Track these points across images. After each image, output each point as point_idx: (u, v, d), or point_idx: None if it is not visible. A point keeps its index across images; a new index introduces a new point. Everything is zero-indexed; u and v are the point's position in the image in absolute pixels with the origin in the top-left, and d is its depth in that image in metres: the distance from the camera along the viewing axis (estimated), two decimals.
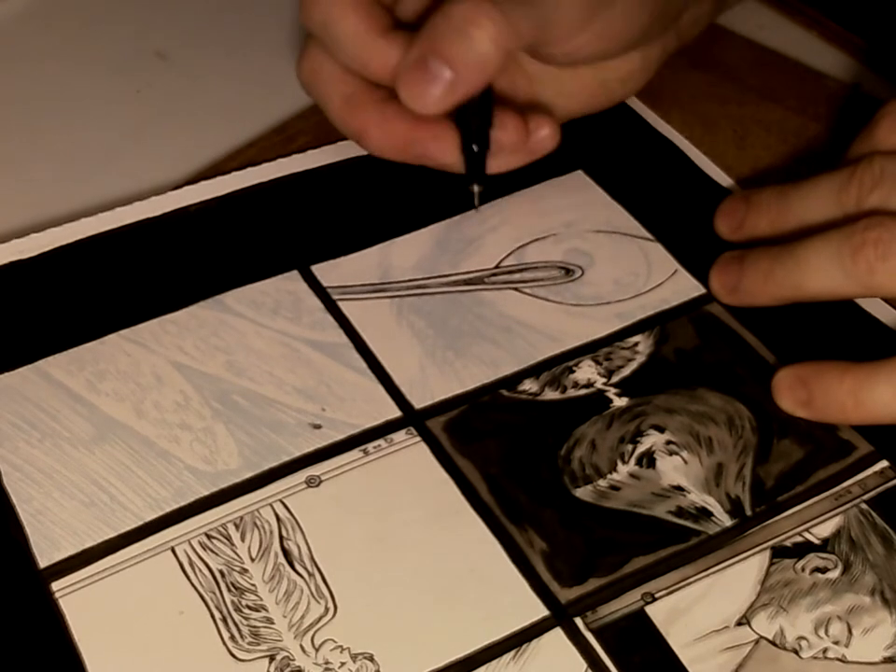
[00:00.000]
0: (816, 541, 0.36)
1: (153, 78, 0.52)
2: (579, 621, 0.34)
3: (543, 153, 0.44)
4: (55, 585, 0.34)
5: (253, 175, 0.45)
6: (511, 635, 0.34)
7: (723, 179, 0.46)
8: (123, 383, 0.39)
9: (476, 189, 0.43)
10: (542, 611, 0.34)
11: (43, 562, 0.35)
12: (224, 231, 0.44)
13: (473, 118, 0.42)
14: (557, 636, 0.34)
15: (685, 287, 0.43)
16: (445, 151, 0.43)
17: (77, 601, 0.34)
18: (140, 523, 0.36)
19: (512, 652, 0.34)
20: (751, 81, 0.51)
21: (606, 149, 0.48)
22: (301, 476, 0.37)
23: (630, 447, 0.39)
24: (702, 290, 0.43)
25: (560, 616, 0.34)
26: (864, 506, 0.37)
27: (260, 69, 0.52)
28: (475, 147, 0.42)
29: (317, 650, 0.33)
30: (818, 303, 0.41)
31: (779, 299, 0.41)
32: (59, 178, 0.46)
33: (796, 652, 0.34)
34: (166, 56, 0.52)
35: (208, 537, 0.36)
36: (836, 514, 0.37)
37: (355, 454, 0.38)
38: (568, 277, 0.44)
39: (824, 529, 0.37)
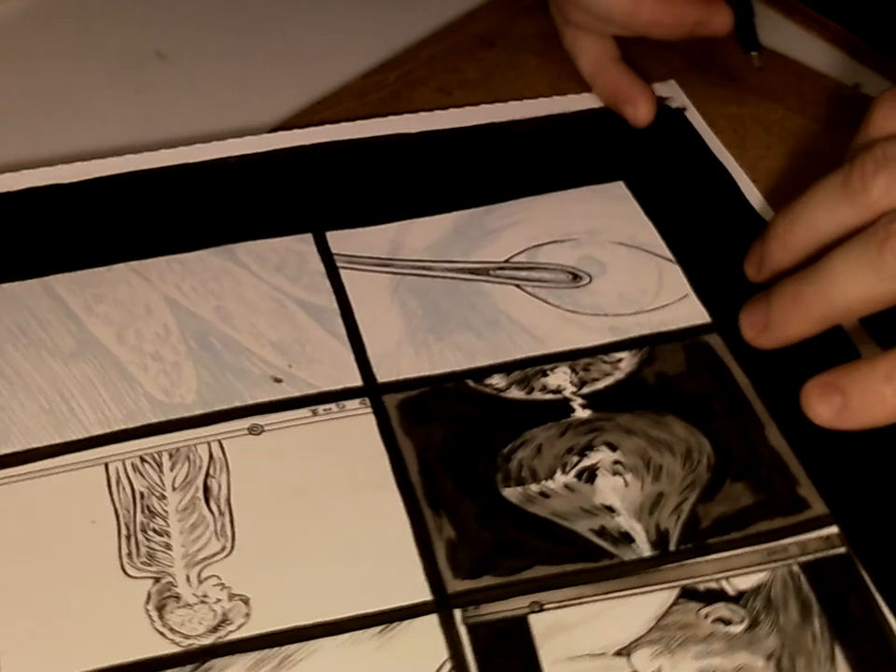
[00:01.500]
0: (731, 592, 0.35)
1: (153, 78, 0.53)
2: (458, 613, 0.34)
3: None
4: None
5: (296, 138, 0.47)
6: (386, 611, 0.34)
7: (765, 211, 0.45)
8: (116, 309, 0.42)
9: (754, 53, 0.51)
10: (426, 596, 0.34)
11: None
12: (255, 186, 0.46)
13: None
14: (430, 622, 0.34)
15: (690, 313, 0.42)
16: (724, 25, 0.49)
17: (6, 493, 0.37)
18: (86, 435, 0.38)
19: (380, 627, 0.34)
20: (751, 81, 0.50)
21: (652, 164, 0.47)
22: (245, 423, 0.38)
23: (575, 458, 0.38)
24: (706, 319, 0.42)
25: (442, 605, 0.34)
26: (796, 568, 0.35)
27: (260, 69, 0.52)
28: (740, 15, 0.49)
29: (201, 583, 0.35)
30: (819, 353, 0.39)
31: (813, 321, 0.39)
32: (59, 179, 0.46)
33: None
34: (166, 56, 0.52)
35: (141, 460, 0.37)
36: (763, 570, 0.35)
37: (304, 412, 0.39)
38: (574, 283, 0.43)
39: (744, 582, 0.35)
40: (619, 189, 0.46)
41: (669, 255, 0.43)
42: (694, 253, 0.43)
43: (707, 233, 0.44)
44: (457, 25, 0.54)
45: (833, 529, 0.36)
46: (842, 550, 0.35)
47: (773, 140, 0.48)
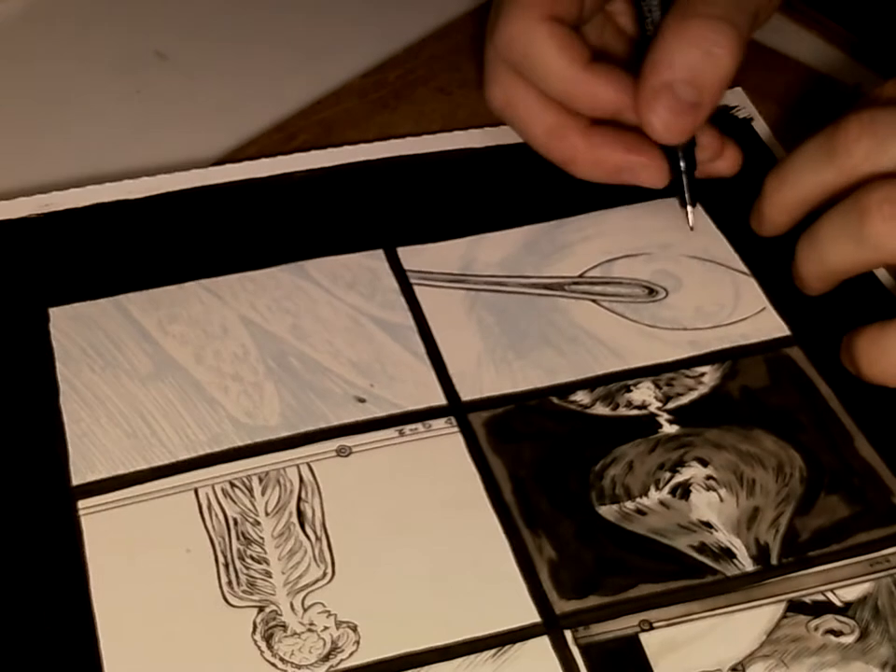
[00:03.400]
0: (838, 603, 0.35)
1: (153, 78, 0.52)
2: (568, 634, 0.34)
3: (733, 169, 0.44)
4: (81, 503, 0.36)
5: (361, 152, 0.46)
6: (497, 634, 0.34)
7: None
8: (191, 328, 0.41)
9: (689, 209, 0.44)
10: (534, 617, 0.34)
11: (76, 479, 0.37)
12: (322, 202, 0.45)
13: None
14: (542, 644, 0.34)
15: (769, 327, 0.42)
16: (655, 176, 0.44)
17: (97, 521, 0.36)
18: (172, 460, 0.37)
19: (493, 651, 0.33)
20: (751, 81, 0.49)
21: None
22: (333, 444, 0.38)
23: (668, 475, 0.38)
24: (786, 332, 0.41)
25: (551, 626, 0.34)
26: None
27: (260, 68, 0.52)
28: (683, 167, 0.43)
29: (305, 610, 0.34)
30: None
31: (814, 278, 0.40)
32: (59, 179, 0.46)
33: None
34: (166, 56, 0.52)
35: (231, 485, 0.37)
36: (867, 580, 0.35)
37: (390, 432, 0.38)
38: (651, 297, 0.43)
39: (850, 593, 0.35)
40: None
41: (743, 268, 0.43)
42: (769, 265, 0.43)
43: (780, 245, 0.44)
44: (457, 25, 0.54)
45: None
46: None
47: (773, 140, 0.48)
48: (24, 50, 0.53)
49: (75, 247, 0.43)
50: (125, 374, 0.39)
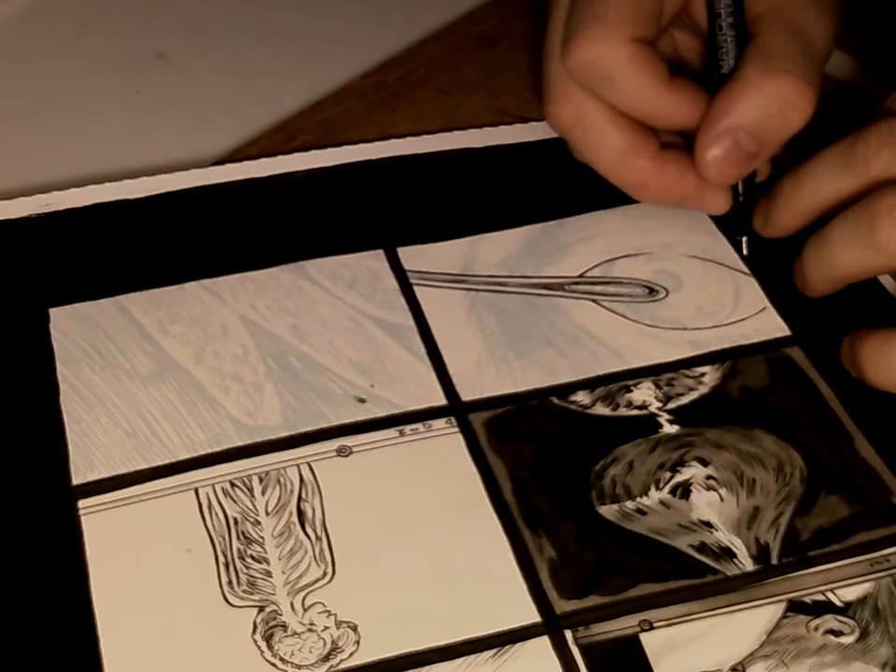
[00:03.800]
0: (838, 603, 0.35)
1: (153, 78, 0.52)
2: (569, 634, 0.34)
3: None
4: (82, 503, 0.36)
5: (361, 152, 0.46)
6: (497, 634, 0.34)
7: None
8: (191, 328, 0.41)
9: (745, 239, 0.44)
10: (534, 617, 0.34)
11: (77, 479, 0.37)
12: (323, 202, 0.45)
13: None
14: (542, 644, 0.34)
15: (769, 327, 0.42)
16: (720, 204, 0.44)
17: (97, 520, 0.36)
18: (173, 460, 0.37)
19: (493, 651, 0.33)
20: None
21: None
22: (333, 444, 0.38)
23: (668, 475, 0.38)
24: (786, 332, 0.41)
25: (551, 625, 0.34)
26: None
27: (260, 68, 0.52)
28: (741, 199, 0.43)
29: (305, 610, 0.34)
30: None
31: (821, 282, 0.40)
32: (58, 179, 0.46)
33: None
34: (166, 56, 0.52)
35: (232, 484, 0.37)
36: (867, 580, 0.35)
37: (391, 432, 0.38)
38: (651, 297, 0.43)
39: (850, 593, 0.35)
40: None
41: (744, 268, 0.43)
42: (769, 265, 0.43)
43: (780, 245, 0.43)
44: (457, 25, 0.54)
45: None
46: None
47: None
48: (24, 50, 0.53)
49: (75, 247, 0.43)
50: (125, 374, 0.39)
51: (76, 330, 0.40)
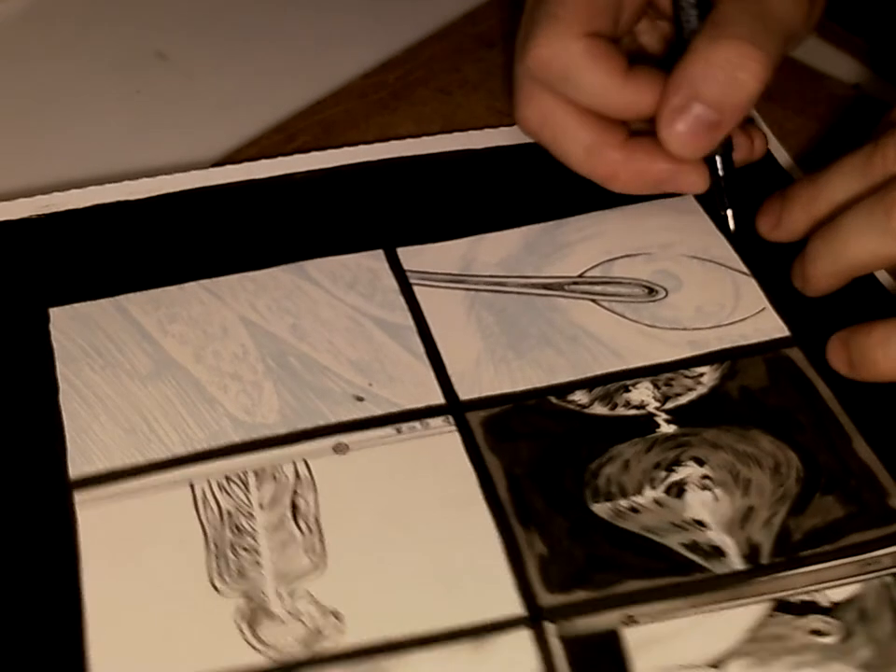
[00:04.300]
0: (825, 604, 0.34)
1: (153, 78, 0.52)
2: (550, 626, 0.34)
3: (762, 153, 0.46)
4: (77, 496, 0.37)
5: (361, 153, 0.47)
6: (479, 625, 0.34)
7: None
8: (191, 328, 0.41)
9: (730, 213, 0.44)
10: (518, 610, 0.34)
11: (73, 472, 0.37)
12: (322, 202, 0.46)
13: (719, 147, 0.43)
14: (523, 636, 0.34)
15: (769, 327, 0.41)
16: (696, 182, 0.44)
17: (92, 513, 0.36)
18: (169, 455, 0.38)
19: (474, 640, 0.33)
20: None
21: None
22: (330, 441, 0.38)
23: (663, 474, 0.38)
24: (785, 333, 0.41)
25: (535, 619, 0.34)
26: (889, 579, 0.35)
27: (260, 68, 0.52)
28: (721, 173, 0.43)
29: (292, 598, 0.34)
30: None
31: (826, 275, 0.40)
32: (58, 179, 0.46)
33: None
34: (166, 56, 0.52)
35: (227, 479, 0.37)
36: (857, 581, 0.35)
37: (388, 430, 0.39)
38: (651, 297, 0.43)
39: (838, 594, 0.35)
40: (689, 202, 0.45)
41: (743, 268, 0.43)
42: (769, 266, 0.43)
43: (781, 246, 0.43)
44: (457, 25, 0.54)
45: None
46: None
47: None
48: (24, 50, 0.54)
49: (75, 248, 0.44)
50: (125, 374, 0.40)
51: (76, 330, 0.41)
